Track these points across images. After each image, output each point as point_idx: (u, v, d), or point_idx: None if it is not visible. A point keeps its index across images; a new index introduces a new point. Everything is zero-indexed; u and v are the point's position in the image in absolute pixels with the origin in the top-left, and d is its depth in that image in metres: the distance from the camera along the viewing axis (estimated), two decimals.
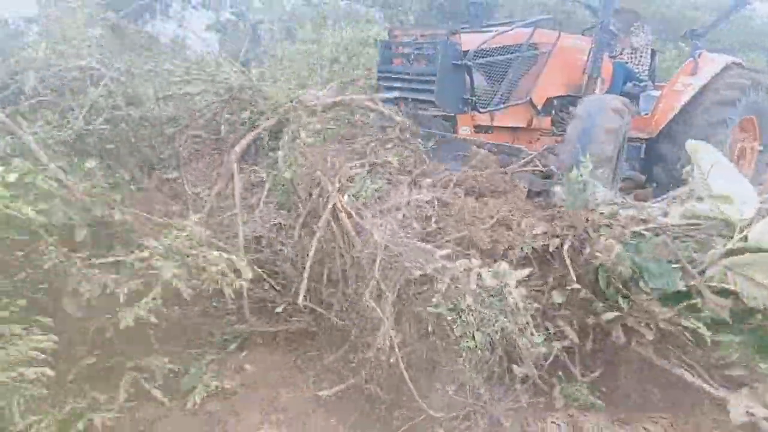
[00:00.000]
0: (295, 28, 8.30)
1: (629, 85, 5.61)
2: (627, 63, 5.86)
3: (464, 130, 4.58)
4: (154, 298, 2.17)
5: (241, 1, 10.35)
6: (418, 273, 2.30)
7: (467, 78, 4.46)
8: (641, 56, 5.91)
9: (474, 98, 4.49)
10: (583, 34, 5.73)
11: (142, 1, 11.63)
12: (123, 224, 2.41)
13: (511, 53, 4.62)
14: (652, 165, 5.35)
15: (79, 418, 2.07)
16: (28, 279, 2.20)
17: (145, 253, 2.23)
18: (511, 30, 4.69)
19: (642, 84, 5.70)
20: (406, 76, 4.70)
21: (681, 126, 5.25)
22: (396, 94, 4.53)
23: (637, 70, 5.85)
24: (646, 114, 5.49)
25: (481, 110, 4.54)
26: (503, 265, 2.34)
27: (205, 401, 2.38)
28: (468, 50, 4.42)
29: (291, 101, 3.32)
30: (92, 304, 2.18)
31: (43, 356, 1.99)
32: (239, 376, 2.57)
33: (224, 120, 3.44)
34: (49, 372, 1.99)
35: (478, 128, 4.64)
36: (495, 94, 4.63)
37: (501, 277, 2.26)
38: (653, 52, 6.12)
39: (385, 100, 4.24)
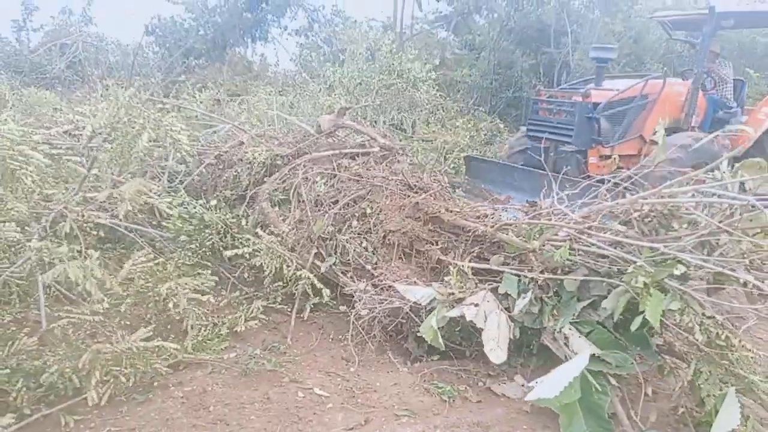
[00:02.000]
0: (372, 55, 9.46)
1: (720, 113, 6.82)
2: (715, 95, 6.94)
3: (592, 160, 6.31)
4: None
5: (330, 29, 11.73)
6: None
7: (595, 125, 6.24)
8: (725, 88, 6.94)
9: (600, 138, 6.23)
10: (682, 76, 7.28)
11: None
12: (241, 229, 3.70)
13: (628, 104, 6.29)
14: None
15: (235, 323, 3.25)
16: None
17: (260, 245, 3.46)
18: (631, 87, 6.33)
19: (731, 110, 6.84)
20: (550, 124, 6.66)
21: (759, 148, 6.25)
22: (545, 136, 6.52)
23: (724, 100, 6.91)
24: (737, 135, 6.61)
25: (605, 145, 6.22)
26: None
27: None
28: (598, 103, 6.20)
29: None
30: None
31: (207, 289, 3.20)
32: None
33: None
34: (213, 298, 3.19)
35: (602, 157, 6.30)
36: (615, 134, 6.27)
37: None
38: (740, 83, 7.19)
39: (532, 138, 6.92)
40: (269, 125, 6.12)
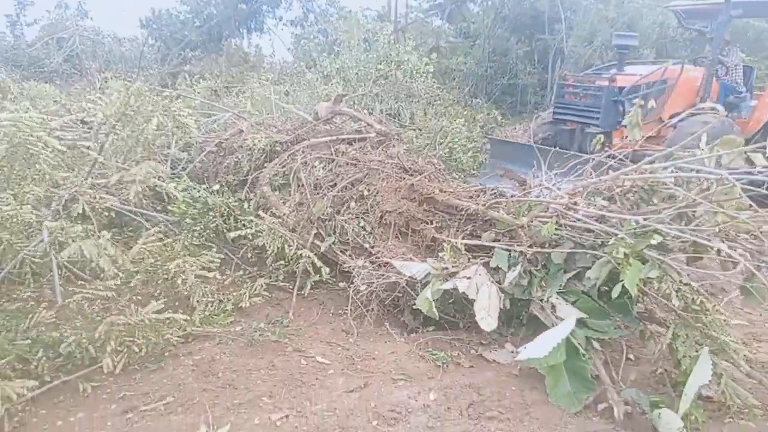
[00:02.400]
0: (370, 44, 9.58)
1: (731, 97, 7.23)
2: (726, 81, 7.34)
3: (616, 141, 6.55)
4: None
5: (325, 19, 11.83)
6: None
7: (620, 108, 6.61)
8: (735, 74, 7.36)
9: (623, 120, 6.25)
10: (695, 62, 7.59)
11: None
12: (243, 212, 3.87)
13: (650, 88, 6.68)
14: None
15: (239, 300, 3.43)
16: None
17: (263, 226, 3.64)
18: (652, 72, 6.79)
19: (742, 95, 7.30)
20: (576, 108, 7.06)
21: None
22: (569, 119, 7.04)
23: (735, 84, 7.32)
24: (745, 119, 7.16)
25: (626, 127, 6.24)
26: None
27: None
28: (623, 87, 6.61)
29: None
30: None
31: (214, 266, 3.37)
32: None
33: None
34: (218, 276, 3.36)
35: (625, 138, 6.40)
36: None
37: None
38: (749, 69, 7.58)
39: (558, 121, 7.33)
40: (268, 114, 6.26)
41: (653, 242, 2.75)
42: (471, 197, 3.90)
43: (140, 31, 13.55)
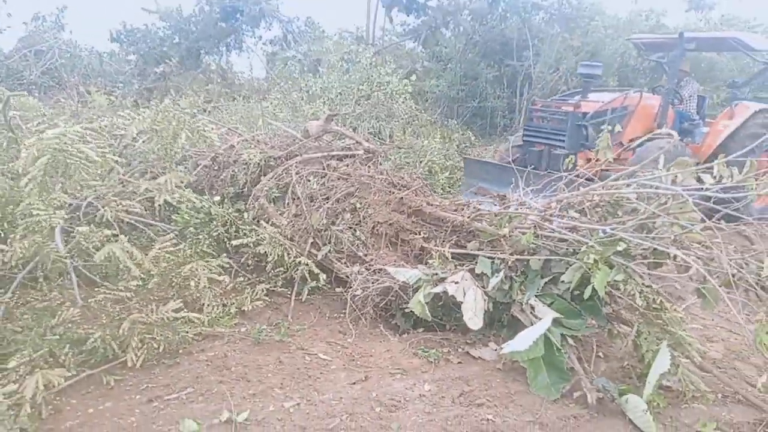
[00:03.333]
0: (351, 66, 9.97)
1: (686, 124, 7.83)
2: (682, 109, 7.91)
3: (581, 162, 6.86)
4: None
5: (306, 40, 12.18)
6: None
7: (584, 131, 7.17)
8: (690, 103, 7.99)
9: (587, 143, 7.06)
10: (653, 91, 8.24)
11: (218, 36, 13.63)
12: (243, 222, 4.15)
13: (612, 114, 7.20)
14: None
15: (242, 303, 3.67)
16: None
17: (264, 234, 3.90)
18: (614, 99, 7.35)
19: (695, 122, 7.92)
20: (544, 131, 7.59)
21: (721, 153, 6.92)
22: (538, 141, 7.53)
23: (689, 113, 7.94)
24: (698, 144, 7.68)
25: (591, 149, 6.65)
26: None
27: None
28: (586, 113, 7.17)
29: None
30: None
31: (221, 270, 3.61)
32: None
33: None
34: (227, 279, 3.61)
35: (588, 160, 6.74)
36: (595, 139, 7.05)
37: None
38: (702, 98, 8.27)
39: (528, 143, 7.82)
40: (256, 130, 6.52)
41: (619, 248, 3.14)
42: (456, 210, 4.26)
43: (111, 45, 13.67)
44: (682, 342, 3.16)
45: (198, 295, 3.42)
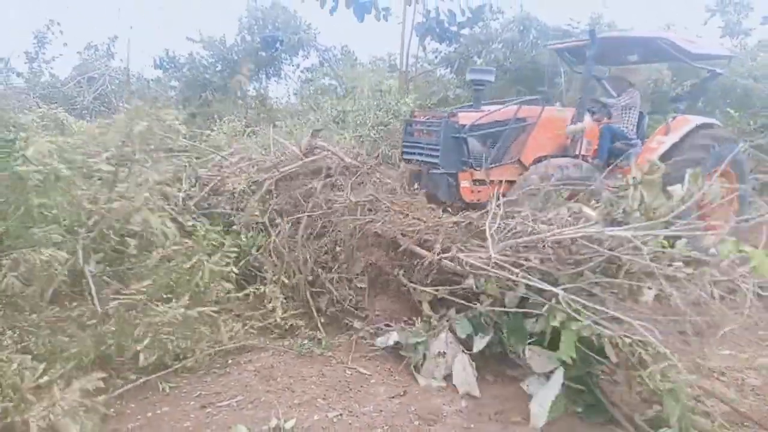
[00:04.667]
0: (378, 93, 10.30)
1: (618, 143, 6.60)
2: (617, 124, 6.78)
3: (464, 184, 5.82)
4: None
5: (341, 67, 12.62)
6: None
7: (464, 146, 5.82)
8: (628, 117, 6.80)
9: (470, 160, 5.84)
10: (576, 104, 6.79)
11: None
12: None
13: (502, 127, 5.97)
14: None
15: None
16: None
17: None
18: (501, 109, 6.11)
19: (631, 141, 6.68)
20: (421, 146, 6.20)
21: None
22: (416, 158, 6.17)
23: (624, 130, 6.75)
24: (629, 167, 6.43)
25: (477, 169, 5.84)
26: None
27: None
28: (464, 124, 5.82)
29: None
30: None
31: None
32: None
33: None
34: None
35: (476, 182, 5.86)
36: (489, 157, 5.87)
37: None
38: (641, 115, 7.08)
39: (406, 161, 6.36)
40: (266, 151, 6.58)
41: (581, 322, 2.86)
42: (426, 242, 3.93)
43: (154, 71, 14.35)
44: (679, 391, 2.79)
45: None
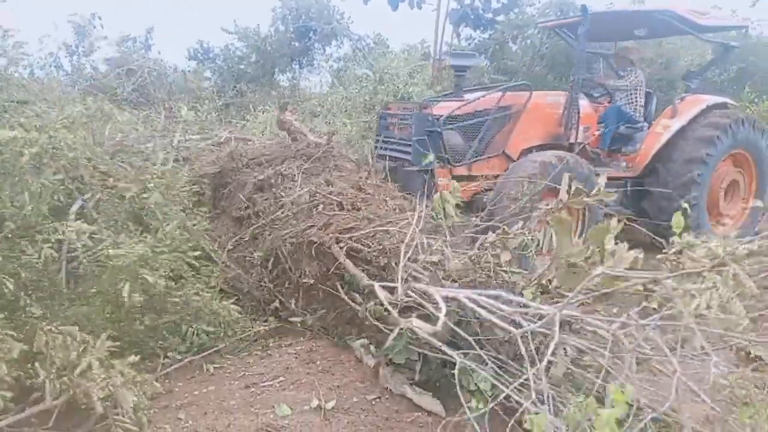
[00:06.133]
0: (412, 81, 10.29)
1: (622, 127, 6.18)
2: (621, 106, 6.31)
3: (442, 181, 5.10)
4: None
5: (373, 56, 12.55)
6: None
7: (439, 140, 5.19)
8: (635, 98, 6.32)
9: (447, 155, 5.23)
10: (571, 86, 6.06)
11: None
12: None
13: (482, 117, 5.39)
14: (641, 200, 5.91)
15: None
16: None
17: None
18: (482, 97, 5.50)
19: (636, 125, 6.24)
20: (394, 140, 5.68)
21: (662, 164, 5.85)
22: (389, 153, 5.52)
23: (631, 112, 6.28)
24: (633, 155, 6.05)
25: (455, 164, 5.29)
26: None
27: None
28: (439, 115, 5.26)
29: None
30: None
31: None
32: None
33: None
34: None
35: (457, 178, 5.20)
36: (469, 151, 5.35)
37: None
38: (649, 95, 6.55)
39: (380, 157, 5.52)
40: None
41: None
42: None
43: (188, 62, 14.61)
44: None
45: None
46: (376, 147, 5.93)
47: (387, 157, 5.40)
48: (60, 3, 18.92)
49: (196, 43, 14.45)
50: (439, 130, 5.20)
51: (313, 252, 3.50)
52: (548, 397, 1.94)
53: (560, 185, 4.14)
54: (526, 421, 1.79)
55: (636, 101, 6.33)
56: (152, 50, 14.35)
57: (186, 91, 12.48)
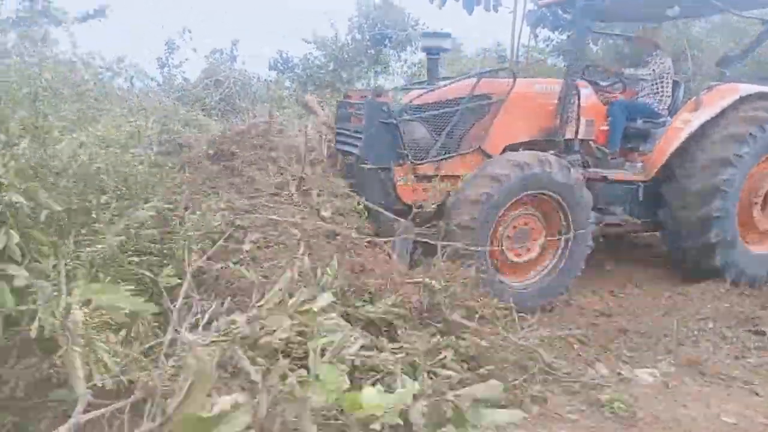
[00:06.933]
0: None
1: (639, 122, 5.42)
2: (642, 97, 5.65)
3: (402, 180, 4.52)
4: None
5: (448, 62, 12.72)
6: None
7: (397, 134, 4.52)
8: (661, 88, 5.53)
9: (406, 151, 4.53)
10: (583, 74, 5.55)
11: None
12: None
13: (452, 107, 4.66)
14: (656, 208, 5.15)
15: None
16: None
17: None
18: (451, 84, 4.82)
19: (658, 120, 5.45)
20: (349, 133, 4.93)
21: (680, 166, 4.98)
22: (344, 148, 4.97)
23: (653, 104, 5.54)
24: (650, 154, 5.23)
25: (416, 162, 4.58)
26: None
27: None
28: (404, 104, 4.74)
29: None
30: None
31: None
32: None
33: None
34: None
35: (420, 177, 4.59)
36: (435, 147, 4.66)
37: None
38: (676, 84, 5.73)
39: (340, 152, 5.06)
40: None
41: None
42: None
43: (270, 72, 15.28)
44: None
45: None
46: (336, 141, 5.26)
47: (344, 153, 4.93)
48: (148, 17, 20.37)
49: (277, 53, 15.14)
50: (395, 121, 4.49)
51: None
52: None
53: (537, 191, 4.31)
54: None
55: (662, 91, 5.53)
56: (237, 61, 15.18)
57: (268, 100, 13.08)
